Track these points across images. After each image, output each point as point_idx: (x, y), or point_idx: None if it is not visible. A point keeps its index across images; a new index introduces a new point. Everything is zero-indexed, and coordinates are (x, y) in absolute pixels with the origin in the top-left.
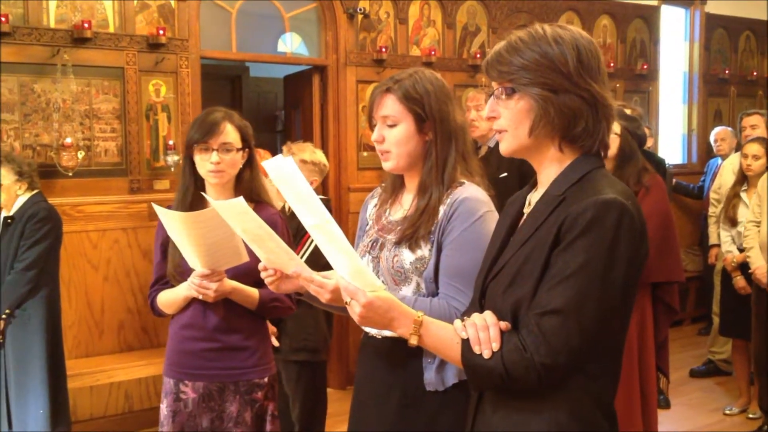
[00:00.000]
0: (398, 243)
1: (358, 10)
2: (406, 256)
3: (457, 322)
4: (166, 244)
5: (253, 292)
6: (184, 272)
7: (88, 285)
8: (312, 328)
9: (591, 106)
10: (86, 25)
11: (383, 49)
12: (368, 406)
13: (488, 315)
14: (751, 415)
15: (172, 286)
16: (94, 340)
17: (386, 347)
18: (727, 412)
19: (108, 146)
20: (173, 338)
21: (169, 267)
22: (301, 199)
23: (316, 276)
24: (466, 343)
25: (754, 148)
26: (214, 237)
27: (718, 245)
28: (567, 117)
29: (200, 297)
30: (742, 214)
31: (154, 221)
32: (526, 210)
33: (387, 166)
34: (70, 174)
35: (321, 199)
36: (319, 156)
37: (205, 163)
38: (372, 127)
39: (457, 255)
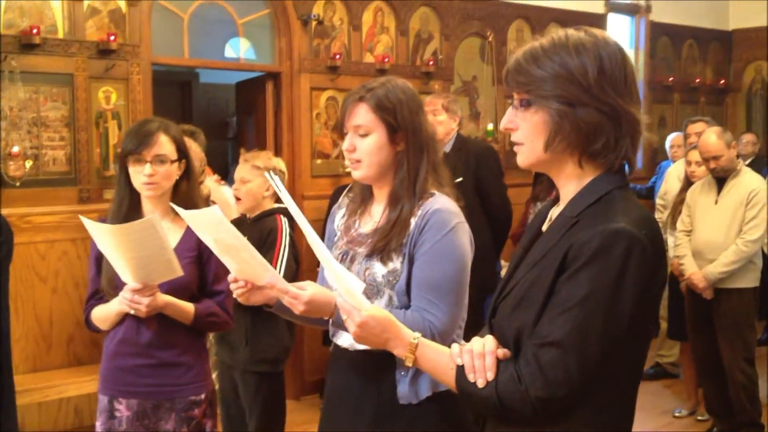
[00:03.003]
0: (369, 256)
1: (312, 16)
2: (378, 269)
3: (455, 346)
4: (100, 257)
5: (189, 306)
6: (117, 286)
7: (36, 298)
8: (273, 338)
9: (613, 121)
10: (34, 30)
11: (337, 56)
12: (341, 419)
13: (488, 341)
14: (699, 417)
15: (107, 300)
16: (42, 355)
17: (359, 360)
18: (677, 414)
19: (56, 155)
20: (107, 354)
21: (103, 281)
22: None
23: (291, 287)
24: (460, 369)
25: (697, 155)
26: (145, 250)
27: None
28: (584, 132)
29: (132, 312)
30: None
31: None
32: (545, 227)
33: (356, 175)
34: (17, 184)
35: (283, 208)
36: (275, 162)
37: (138, 175)
38: (342, 136)
39: (429, 267)
